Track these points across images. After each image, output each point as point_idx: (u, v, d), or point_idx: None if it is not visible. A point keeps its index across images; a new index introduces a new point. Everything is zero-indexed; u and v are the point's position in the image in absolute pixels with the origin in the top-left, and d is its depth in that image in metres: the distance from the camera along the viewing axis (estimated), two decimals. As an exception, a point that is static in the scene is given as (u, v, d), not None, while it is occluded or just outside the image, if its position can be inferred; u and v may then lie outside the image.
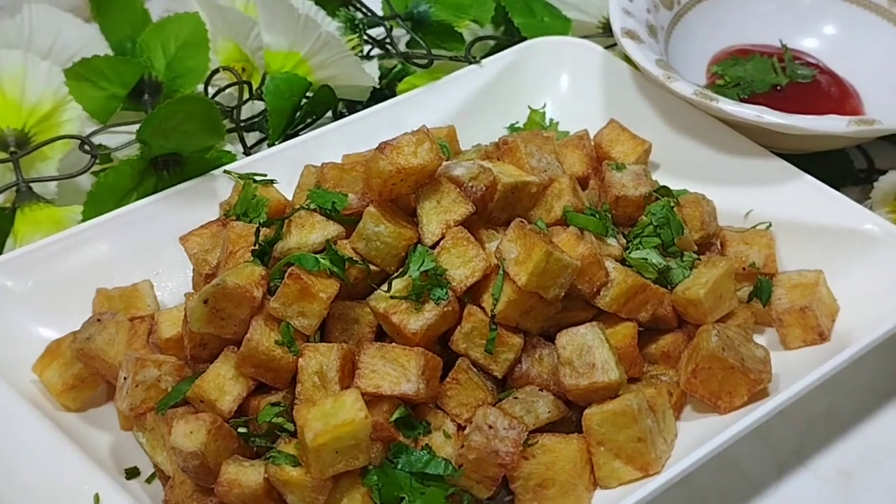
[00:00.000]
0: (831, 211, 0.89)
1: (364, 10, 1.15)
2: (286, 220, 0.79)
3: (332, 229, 0.79)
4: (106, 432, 0.84)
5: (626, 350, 0.79)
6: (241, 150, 1.10)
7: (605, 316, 0.81)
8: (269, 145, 1.06)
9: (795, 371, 0.78)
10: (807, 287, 0.84)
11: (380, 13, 1.21)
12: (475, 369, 0.77)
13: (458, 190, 0.79)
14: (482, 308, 0.77)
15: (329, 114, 1.19)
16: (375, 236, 0.77)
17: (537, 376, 0.77)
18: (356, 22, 1.10)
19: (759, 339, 0.85)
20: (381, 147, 0.77)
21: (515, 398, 0.76)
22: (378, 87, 1.09)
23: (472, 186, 0.81)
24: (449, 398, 0.76)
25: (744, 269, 0.87)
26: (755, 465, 0.81)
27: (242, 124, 1.10)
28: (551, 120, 1.13)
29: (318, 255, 0.76)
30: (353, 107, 1.17)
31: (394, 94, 1.15)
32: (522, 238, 0.76)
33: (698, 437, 0.74)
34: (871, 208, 0.91)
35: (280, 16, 1.03)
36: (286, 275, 0.74)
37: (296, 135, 1.11)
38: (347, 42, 1.10)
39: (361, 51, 1.12)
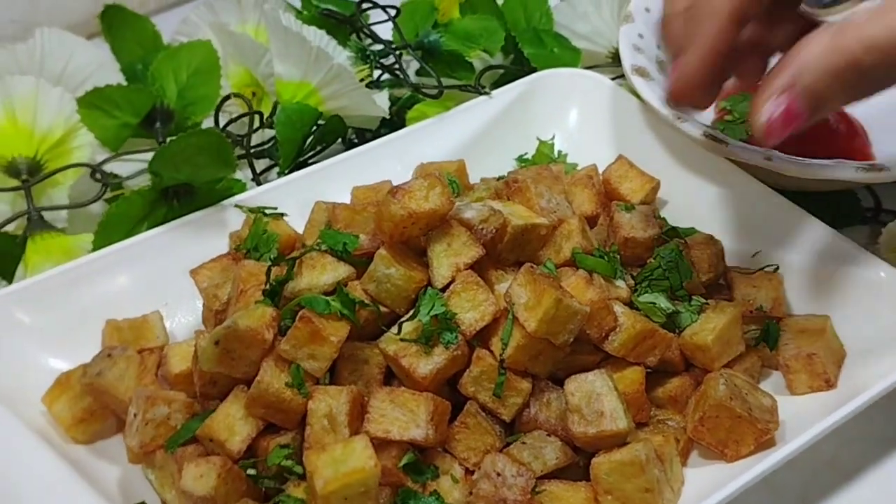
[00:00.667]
0: (839, 255, 0.89)
1: (375, 38, 1.16)
2: (297, 261, 0.79)
3: (343, 270, 0.79)
4: (114, 465, 0.84)
5: (634, 395, 0.79)
6: (251, 176, 1.11)
7: (613, 360, 0.81)
8: (279, 175, 1.07)
9: (802, 419, 0.78)
10: (814, 333, 0.85)
11: (390, 41, 1.21)
12: (483, 413, 0.77)
13: (468, 233, 0.80)
14: (491, 352, 0.77)
15: (339, 140, 1.20)
16: (386, 279, 0.77)
17: (545, 421, 0.77)
18: (367, 52, 1.11)
19: (765, 383, 0.86)
20: (393, 191, 0.77)
21: (523, 443, 0.76)
22: (388, 116, 1.09)
23: (482, 229, 0.81)
24: (457, 442, 0.76)
25: (751, 311, 0.88)
26: (760, 512, 0.81)
27: (252, 151, 1.11)
28: (560, 152, 1.13)
29: (328, 298, 0.76)
30: (363, 134, 1.18)
31: (403, 122, 1.16)
32: (532, 283, 0.76)
33: (705, 486, 0.74)
34: (879, 252, 0.92)
35: (292, 47, 1.03)
36: (297, 318, 0.75)
37: (305, 163, 1.12)
38: (358, 72, 1.11)
39: (372, 79, 1.13)
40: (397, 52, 1.15)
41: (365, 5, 1.20)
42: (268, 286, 0.79)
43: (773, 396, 0.79)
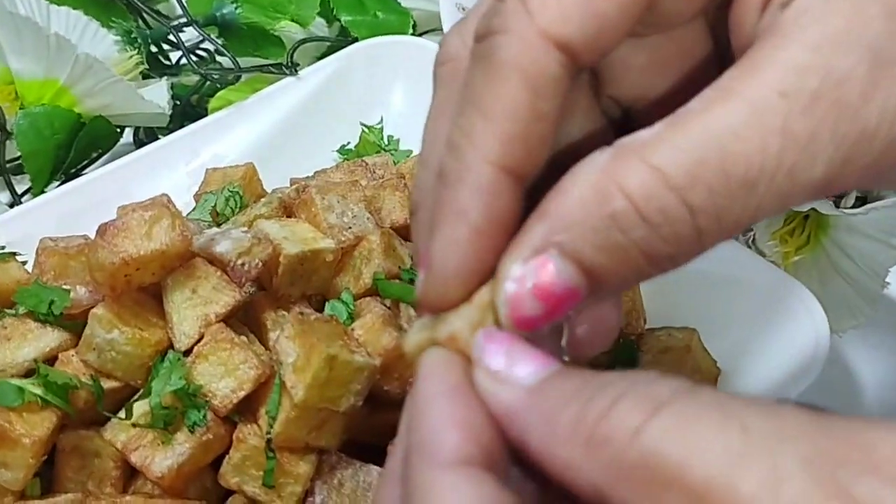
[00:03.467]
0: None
1: (153, 15, 0.95)
2: (-12, 331, 0.60)
3: (51, 339, 0.60)
4: None
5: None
6: (11, 198, 0.90)
7: (423, 418, 0.63)
8: (34, 195, 0.86)
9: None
10: (678, 351, 0.68)
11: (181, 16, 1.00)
12: (252, 510, 0.59)
13: (219, 273, 0.61)
14: (261, 426, 0.59)
15: (130, 139, 1.00)
16: (108, 345, 0.58)
17: (335, 511, 0.60)
18: (133, 35, 0.89)
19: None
20: (102, 229, 0.58)
21: (305, 545, 0.59)
22: (169, 112, 0.89)
23: (242, 265, 0.62)
24: (218, 552, 0.58)
25: (605, 329, 0.71)
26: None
27: (8, 166, 0.90)
28: (390, 137, 0.95)
29: (24, 382, 0.57)
30: (153, 132, 0.97)
31: (206, 112, 0.96)
32: (302, 336, 0.58)
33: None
34: (752, 242, 0.76)
35: (27, 37, 0.82)
36: (-24, 416, 0.55)
37: (77, 175, 0.91)
38: (129, 59, 0.90)
39: (145, 67, 0.92)
40: (177, 30, 0.94)
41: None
42: (-49, 368, 0.60)
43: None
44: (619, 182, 0.34)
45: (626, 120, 0.44)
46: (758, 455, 0.30)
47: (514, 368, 0.36)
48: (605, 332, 0.45)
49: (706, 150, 0.34)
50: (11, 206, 0.89)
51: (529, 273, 0.36)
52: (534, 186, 0.39)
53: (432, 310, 0.39)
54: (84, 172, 0.92)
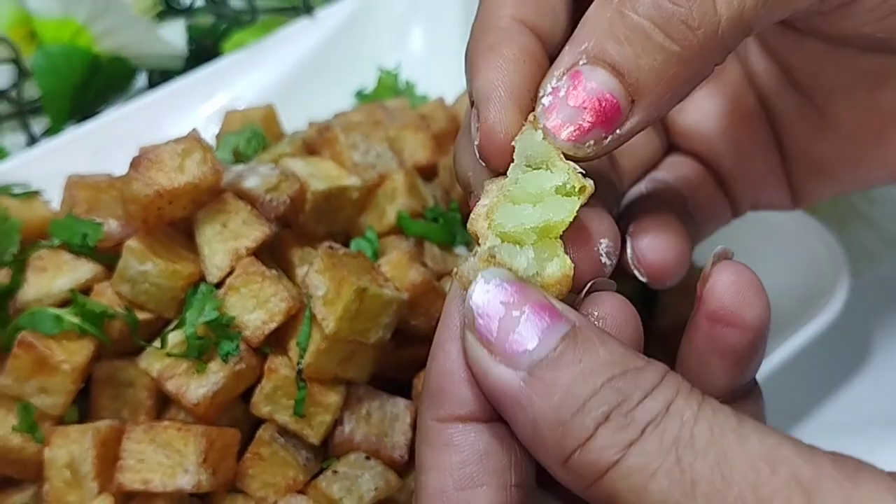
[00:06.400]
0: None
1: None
2: (24, 263, 0.61)
3: (85, 271, 0.61)
4: None
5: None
6: (28, 138, 0.90)
7: (449, 352, 0.65)
8: (53, 134, 0.86)
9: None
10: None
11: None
12: (284, 438, 0.61)
13: (249, 208, 0.62)
14: (290, 358, 0.61)
15: (145, 82, 1.00)
16: (142, 277, 0.59)
17: (363, 440, 0.61)
18: (150, -26, 0.89)
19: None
20: (136, 162, 0.58)
21: (335, 472, 0.60)
22: (186, 55, 0.89)
23: (270, 200, 0.63)
24: (251, 478, 0.60)
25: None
26: None
27: (27, 108, 0.90)
28: (407, 82, 0.95)
29: (61, 311, 0.58)
30: (169, 74, 0.97)
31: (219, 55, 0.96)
32: (331, 269, 0.59)
33: None
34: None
35: (44, -27, 0.82)
36: (16, 343, 0.56)
37: (92, 116, 0.91)
38: (145, -1, 0.90)
39: (162, 8, 0.91)
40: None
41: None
42: (-13, 299, 0.61)
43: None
44: None
45: None
46: None
47: (509, 340, 0.38)
48: (677, 254, 0.48)
49: None
50: (28, 145, 0.90)
51: (563, 84, 0.41)
52: None
53: (491, 150, 0.42)
54: (99, 113, 0.92)
